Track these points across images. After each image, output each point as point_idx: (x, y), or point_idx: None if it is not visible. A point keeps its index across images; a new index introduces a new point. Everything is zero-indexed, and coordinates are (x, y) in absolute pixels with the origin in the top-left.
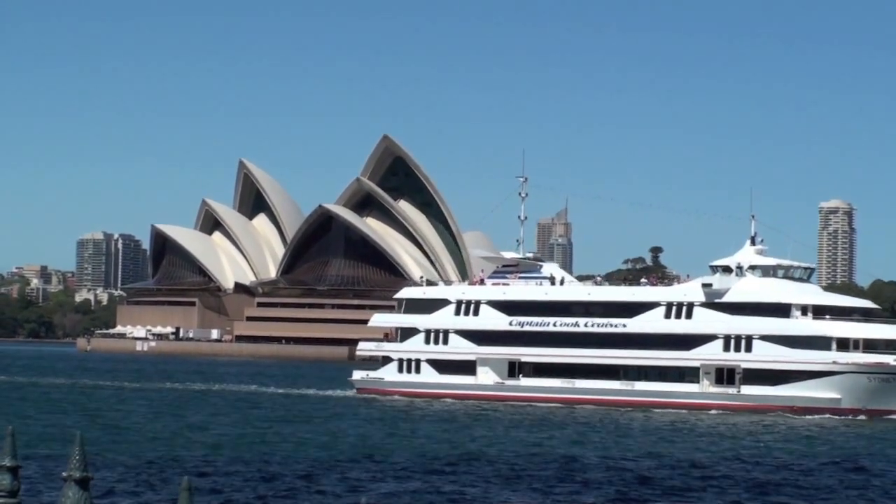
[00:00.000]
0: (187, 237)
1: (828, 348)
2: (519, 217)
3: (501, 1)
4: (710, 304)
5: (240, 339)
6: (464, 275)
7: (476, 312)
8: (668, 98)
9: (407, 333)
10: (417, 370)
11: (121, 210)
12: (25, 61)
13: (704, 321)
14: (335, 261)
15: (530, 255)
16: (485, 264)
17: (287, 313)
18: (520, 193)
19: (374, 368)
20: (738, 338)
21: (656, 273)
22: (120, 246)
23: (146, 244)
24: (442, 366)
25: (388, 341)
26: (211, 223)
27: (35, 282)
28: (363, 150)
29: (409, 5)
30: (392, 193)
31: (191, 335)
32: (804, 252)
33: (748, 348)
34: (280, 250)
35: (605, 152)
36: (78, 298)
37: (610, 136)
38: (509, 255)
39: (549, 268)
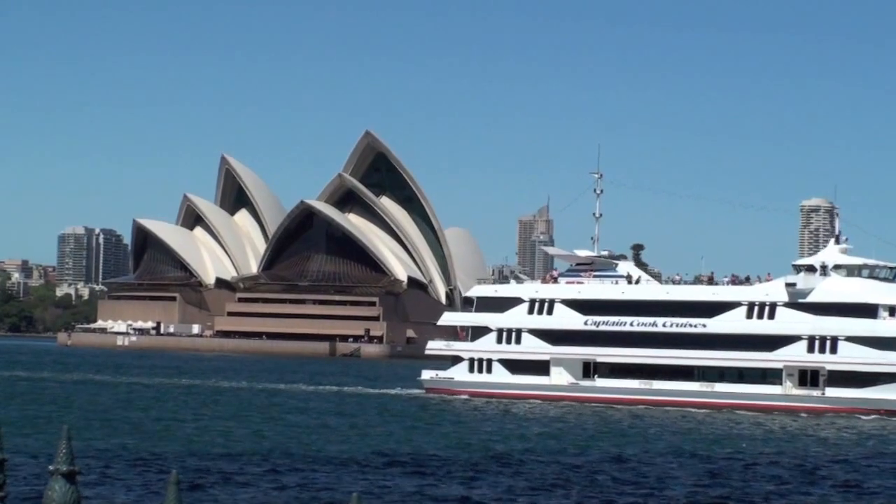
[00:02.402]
0: (169, 232)
1: None
2: (594, 214)
3: None
4: (794, 305)
5: (221, 334)
6: (445, 271)
7: (550, 311)
8: (652, 95)
9: (478, 332)
10: (489, 370)
11: (102, 204)
12: (5, 55)
13: (788, 321)
14: (316, 256)
15: (605, 252)
16: (559, 262)
17: (268, 309)
18: (594, 190)
19: (443, 367)
20: (822, 339)
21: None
22: (101, 240)
23: (127, 239)
24: (514, 366)
25: (459, 340)
26: (192, 218)
27: (16, 276)
28: (345, 146)
29: (392, 1)
30: (374, 189)
31: (172, 330)
32: (888, 251)
33: (833, 349)
34: (261, 246)
35: (588, 148)
36: (59, 293)
37: (597, 131)
38: (583, 252)
39: (625, 266)
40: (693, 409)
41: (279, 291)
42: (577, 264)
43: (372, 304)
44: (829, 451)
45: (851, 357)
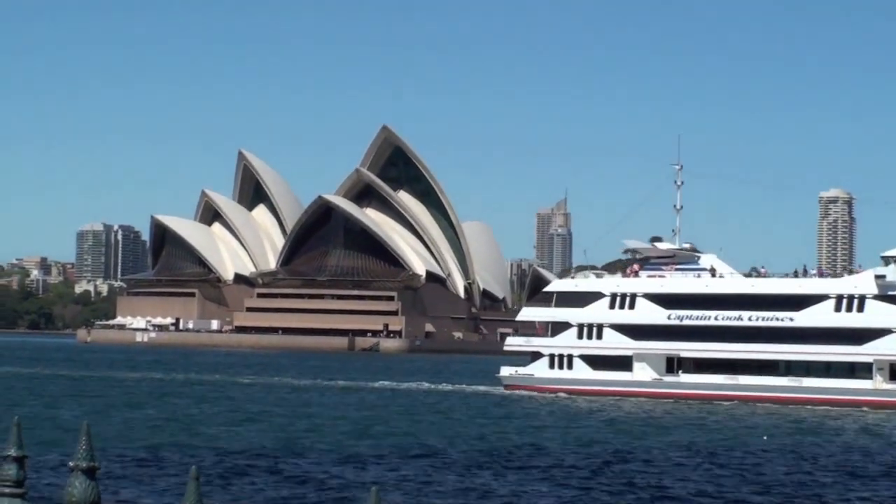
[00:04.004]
0: (187, 228)
1: None
2: (675, 206)
3: None
4: (884, 297)
5: (240, 329)
6: (463, 265)
7: (632, 306)
8: (666, 88)
9: (558, 328)
10: (570, 366)
11: (121, 201)
12: (26, 51)
13: (878, 314)
14: (335, 251)
15: (687, 245)
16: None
17: (287, 304)
18: (675, 181)
19: (523, 364)
20: None
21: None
22: (120, 237)
23: (146, 235)
24: (596, 361)
25: (539, 336)
26: (211, 214)
27: (35, 273)
28: (362, 140)
29: None
30: (391, 184)
31: (190, 326)
32: None
33: None
34: (280, 241)
35: (605, 141)
36: (78, 290)
37: (615, 124)
38: (664, 245)
39: (708, 259)
40: (781, 405)
41: (298, 287)
42: (659, 257)
43: (390, 298)
44: None
45: None
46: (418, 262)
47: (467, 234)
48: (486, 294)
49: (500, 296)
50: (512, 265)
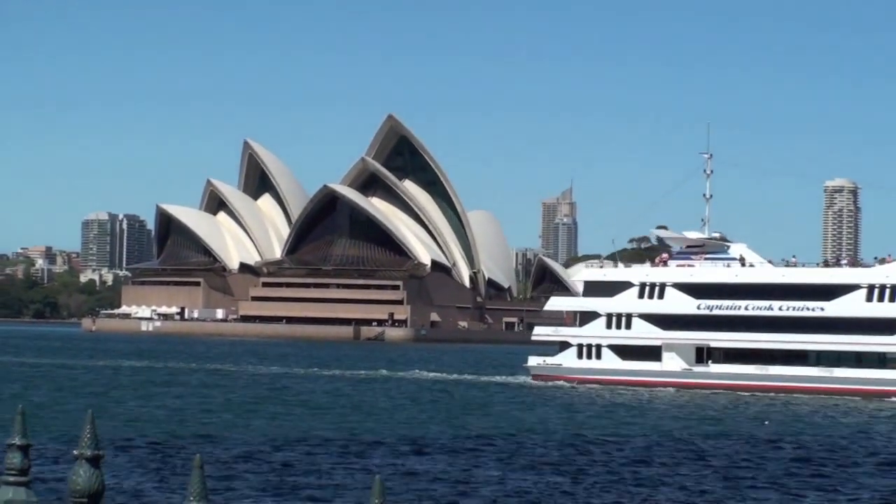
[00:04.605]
0: (192, 217)
1: None
2: (704, 195)
3: None
4: None
5: (244, 319)
6: (468, 254)
7: (661, 295)
8: (668, 83)
9: (587, 318)
10: (598, 356)
11: (125, 190)
12: (31, 43)
13: None
14: (340, 241)
15: (717, 234)
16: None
17: (292, 293)
18: (704, 170)
19: (550, 354)
20: None
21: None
22: (125, 226)
23: (151, 224)
24: (625, 351)
25: (566, 325)
26: (216, 203)
27: (40, 262)
28: (368, 129)
29: None
30: (397, 173)
31: (196, 315)
32: None
33: None
34: (285, 230)
35: (609, 132)
36: (83, 279)
37: (617, 114)
38: (693, 234)
39: (738, 248)
40: (812, 395)
41: (303, 276)
42: (688, 247)
43: (396, 287)
44: None
45: None
46: (423, 251)
47: (473, 224)
48: (491, 283)
49: (506, 285)
50: (517, 254)
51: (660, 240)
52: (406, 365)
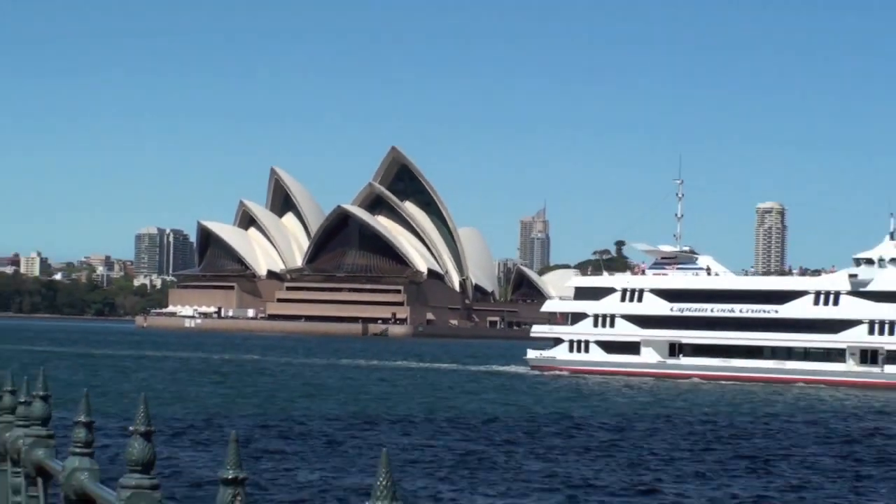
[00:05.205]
0: (227, 232)
1: None
2: (675, 214)
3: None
4: (856, 293)
5: (271, 317)
6: (458, 264)
7: (640, 299)
8: (649, 100)
9: (577, 318)
10: (587, 350)
11: (172, 208)
12: (89, 72)
13: (850, 308)
14: (351, 252)
15: (687, 248)
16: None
17: (311, 296)
18: (677, 194)
19: (546, 348)
20: (881, 323)
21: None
22: (171, 239)
23: (193, 237)
24: (609, 346)
25: (559, 324)
26: (247, 220)
27: (100, 269)
28: (375, 158)
29: (407, 19)
30: (399, 196)
31: (230, 314)
32: None
33: (891, 332)
34: (305, 243)
35: (581, 155)
36: (136, 283)
37: (592, 139)
38: (667, 248)
39: (705, 259)
40: (767, 384)
41: (320, 281)
42: (662, 258)
43: (397, 291)
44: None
45: None
46: (421, 261)
47: (462, 238)
48: (477, 288)
49: (489, 289)
50: (499, 264)
51: (619, 252)
52: (418, 357)
